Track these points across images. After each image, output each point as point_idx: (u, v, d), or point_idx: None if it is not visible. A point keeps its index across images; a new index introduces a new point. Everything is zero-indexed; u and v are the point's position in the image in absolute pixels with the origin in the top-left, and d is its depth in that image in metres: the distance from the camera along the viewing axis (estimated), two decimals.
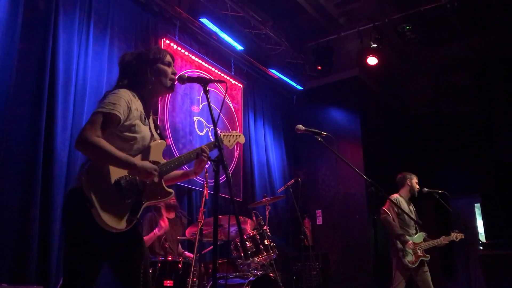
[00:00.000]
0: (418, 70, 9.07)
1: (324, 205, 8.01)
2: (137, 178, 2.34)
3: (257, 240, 4.38)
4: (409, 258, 5.15)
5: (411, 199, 5.56)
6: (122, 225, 2.26)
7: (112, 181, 2.26)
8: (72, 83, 4.55)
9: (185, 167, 2.71)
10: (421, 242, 5.29)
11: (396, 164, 8.43)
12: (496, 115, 8.41)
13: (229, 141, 2.93)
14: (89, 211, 2.16)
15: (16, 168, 3.93)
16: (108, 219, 2.19)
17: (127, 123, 2.35)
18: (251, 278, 4.00)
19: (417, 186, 5.51)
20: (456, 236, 5.40)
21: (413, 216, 5.42)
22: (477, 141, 8.55)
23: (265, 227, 4.57)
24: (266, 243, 4.41)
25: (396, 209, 5.25)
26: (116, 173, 2.29)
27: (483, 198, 8.49)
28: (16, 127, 4.00)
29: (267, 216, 5.29)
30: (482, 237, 8.19)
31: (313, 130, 3.38)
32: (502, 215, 7.81)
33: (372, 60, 7.44)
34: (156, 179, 2.36)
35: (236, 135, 2.98)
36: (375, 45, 7.26)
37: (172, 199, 4.85)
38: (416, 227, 5.42)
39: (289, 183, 5.75)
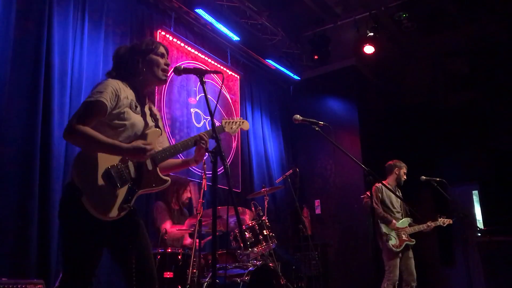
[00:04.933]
0: (415, 59, 9.04)
1: (322, 195, 8.03)
2: (130, 166, 2.34)
3: (256, 231, 4.39)
4: (393, 242, 5.33)
5: (399, 187, 5.70)
6: (113, 213, 2.26)
7: (102, 170, 2.26)
8: (68, 76, 4.53)
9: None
10: (406, 227, 5.45)
11: (394, 153, 8.43)
12: (494, 103, 8.41)
13: (231, 128, 2.90)
14: (80, 201, 2.17)
15: (13, 161, 3.92)
16: (99, 207, 2.20)
17: (116, 111, 2.35)
18: (250, 268, 4.02)
19: (404, 176, 5.66)
20: (443, 221, 5.54)
21: (398, 203, 5.56)
22: (475, 129, 8.56)
23: (264, 218, 4.58)
24: (265, 233, 4.42)
25: (380, 196, 5.47)
26: (106, 161, 2.28)
27: (481, 186, 8.52)
28: (13, 121, 3.98)
29: (266, 207, 5.30)
30: (480, 224, 8.23)
31: (310, 120, 3.37)
32: (499, 202, 7.85)
33: (369, 49, 7.41)
34: (147, 157, 2.35)
35: (240, 121, 2.94)
36: (372, 34, 7.24)
37: (186, 198, 4.84)
38: (402, 213, 5.57)
39: (287, 173, 5.76)
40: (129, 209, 2.34)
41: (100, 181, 2.24)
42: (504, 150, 8.20)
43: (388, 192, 5.52)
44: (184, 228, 4.40)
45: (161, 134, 2.61)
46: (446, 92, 9.05)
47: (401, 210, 5.59)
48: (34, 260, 3.84)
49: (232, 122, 2.91)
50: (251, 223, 4.45)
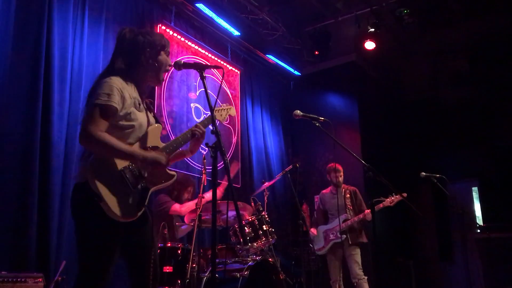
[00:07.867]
0: (416, 55, 9.02)
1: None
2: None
3: (256, 226, 4.39)
4: (317, 246, 5.75)
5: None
6: (132, 214, 2.27)
7: (117, 172, 2.25)
8: (67, 71, 4.52)
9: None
10: (336, 226, 5.63)
11: (394, 149, 8.44)
12: (494, 99, 8.40)
13: (221, 115, 2.95)
14: (99, 205, 2.16)
15: (13, 156, 3.93)
16: (118, 211, 2.20)
17: (122, 112, 2.31)
18: (250, 263, 4.03)
19: (337, 179, 5.88)
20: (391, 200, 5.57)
21: (340, 202, 5.78)
22: (474, 126, 8.55)
23: (263, 213, 4.59)
24: (265, 228, 4.42)
25: (322, 207, 5.93)
26: (120, 163, 2.28)
27: (480, 182, 8.53)
28: (12, 116, 3.98)
29: (266, 202, 5.30)
30: (479, 221, 8.24)
31: (310, 115, 3.38)
32: (499, 199, 7.86)
33: (369, 45, 7.40)
34: (162, 168, 2.40)
35: (227, 108, 2.99)
36: (373, 30, 7.22)
37: (186, 199, 4.86)
38: (345, 212, 5.77)
39: (287, 169, 5.75)
40: (145, 208, 2.35)
41: (116, 184, 2.23)
42: (504, 146, 8.20)
43: (326, 198, 5.90)
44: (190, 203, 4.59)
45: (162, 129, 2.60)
46: (446, 88, 9.03)
47: (344, 208, 5.79)
48: (34, 253, 3.86)
49: (221, 110, 2.97)
50: (251, 218, 4.46)
